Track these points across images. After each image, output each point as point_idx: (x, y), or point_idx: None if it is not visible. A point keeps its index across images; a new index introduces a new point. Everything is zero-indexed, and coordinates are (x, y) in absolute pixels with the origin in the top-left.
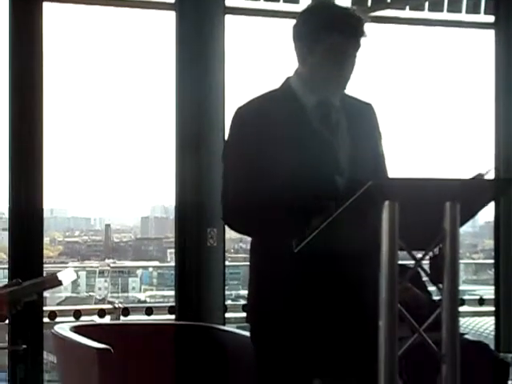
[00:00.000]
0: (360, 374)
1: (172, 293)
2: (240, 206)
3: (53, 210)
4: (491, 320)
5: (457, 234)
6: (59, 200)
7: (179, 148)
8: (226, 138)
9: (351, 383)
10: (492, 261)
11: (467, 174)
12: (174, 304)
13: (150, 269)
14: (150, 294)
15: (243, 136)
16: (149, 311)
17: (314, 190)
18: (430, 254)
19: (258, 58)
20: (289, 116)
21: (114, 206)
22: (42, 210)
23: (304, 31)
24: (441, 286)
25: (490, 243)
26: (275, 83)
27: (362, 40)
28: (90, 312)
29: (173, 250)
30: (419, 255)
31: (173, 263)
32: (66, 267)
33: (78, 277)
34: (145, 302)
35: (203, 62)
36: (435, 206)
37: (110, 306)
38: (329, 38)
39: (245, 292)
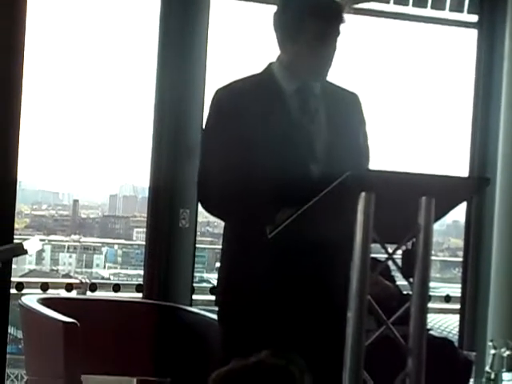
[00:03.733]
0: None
1: (135, 272)
2: (216, 188)
3: (21, 183)
4: (454, 318)
5: (430, 230)
6: (28, 173)
7: (156, 127)
8: (206, 118)
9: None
10: (457, 259)
11: (443, 171)
12: (140, 282)
13: (116, 246)
14: (114, 272)
15: (221, 118)
16: (116, 288)
17: (288, 177)
18: (403, 248)
19: (244, 43)
20: (267, 102)
21: (83, 182)
22: (16, 181)
23: (284, 18)
24: (411, 280)
25: (455, 242)
26: (260, 69)
27: (342, 27)
28: (56, 285)
29: (140, 229)
30: (390, 249)
31: (139, 242)
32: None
33: (43, 250)
34: (108, 279)
35: (186, 44)
36: (411, 200)
37: (77, 281)
38: (309, 24)
39: (209, 275)
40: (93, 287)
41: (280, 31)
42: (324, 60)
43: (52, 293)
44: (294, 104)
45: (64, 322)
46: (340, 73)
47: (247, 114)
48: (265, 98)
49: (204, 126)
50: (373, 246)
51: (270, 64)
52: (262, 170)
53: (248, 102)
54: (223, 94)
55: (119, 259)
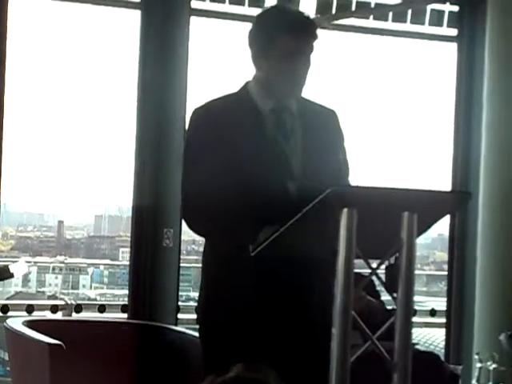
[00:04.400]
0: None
1: (122, 292)
2: (198, 206)
3: (6, 205)
4: (441, 331)
5: (413, 244)
6: (13, 194)
7: (139, 147)
8: (185, 137)
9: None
10: (443, 273)
11: (426, 185)
12: (126, 302)
13: (102, 267)
14: (100, 293)
15: (200, 137)
16: (101, 309)
17: (265, 195)
18: (386, 263)
19: (222, 61)
20: (244, 121)
21: (67, 202)
22: (0, 203)
23: (258, 35)
24: (395, 295)
25: (441, 255)
26: (238, 86)
27: (316, 43)
28: (42, 307)
29: (125, 249)
30: (374, 264)
31: (125, 262)
32: (18, 261)
33: (30, 272)
34: (95, 299)
35: (167, 63)
36: (393, 215)
37: (62, 303)
38: (282, 40)
39: (195, 294)
40: (78, 308)
41: (254, 48)
42: (297, 76)
43: (37, 315)
44: (271, 123)
45: (49, 344)
46: (321, 88)
47: (224, 133)
48: (241, 117)
49: (184, 146)
50: (357, 261)
51: (247, 83)
52: (241, 188)
53: (224, 120)
54: (200, 114)
55: (105, 279)
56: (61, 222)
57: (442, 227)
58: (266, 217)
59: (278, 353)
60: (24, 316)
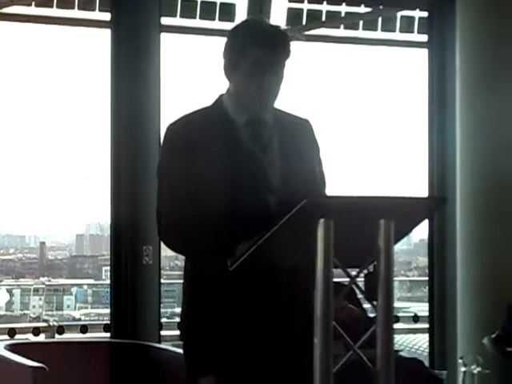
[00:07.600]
0: None
1: (107, 311)
2: (173, 224)
3: None
4: (425, 337)
5: (391, 252)
6: None
7: (114, 165)
8: (160, 154)
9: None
10: (426, 278)
11: (403, 192)
12: (108, 322)
13: (85, 286)
14: (85, 312)
15: (174, 153)
16: (84, 329)
17: (245, 209)
18: (365, 271)
19: (194, 76)
20: (219, 134)
21: (48, 223)
22: None
23: (229, 47)
24: (375, 303)
25: (424, 261)
26: (211, 101)
27: (288, 56)
28: (24, 330)
29: (108, 268)
30: (354, 272)
31: (108, 281)
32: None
33: (13, 295)
34: (79, 319)
35: (138, 80)
36: (370, 223)
37: (44, 324)
38: (249, 51)
39: (180, 310)
40: (60, 330)
41: (225, 60)
42: (266, 87)
43: (20, 338)
44: (246, 135)
45: (32, 367)
46: (295, 98)
47: (199, 148)
48: (216, 131)
49: (159, 160)
50: (335, 270)
51: (221, 96)
52: (218, 203)
53: (199, 135)
54: (174, 129)
55: (90, 299)
56: (42, 244)
57: (423, 232)
58: (247, 231)
59: (261, 364)
60: (6, 340)
